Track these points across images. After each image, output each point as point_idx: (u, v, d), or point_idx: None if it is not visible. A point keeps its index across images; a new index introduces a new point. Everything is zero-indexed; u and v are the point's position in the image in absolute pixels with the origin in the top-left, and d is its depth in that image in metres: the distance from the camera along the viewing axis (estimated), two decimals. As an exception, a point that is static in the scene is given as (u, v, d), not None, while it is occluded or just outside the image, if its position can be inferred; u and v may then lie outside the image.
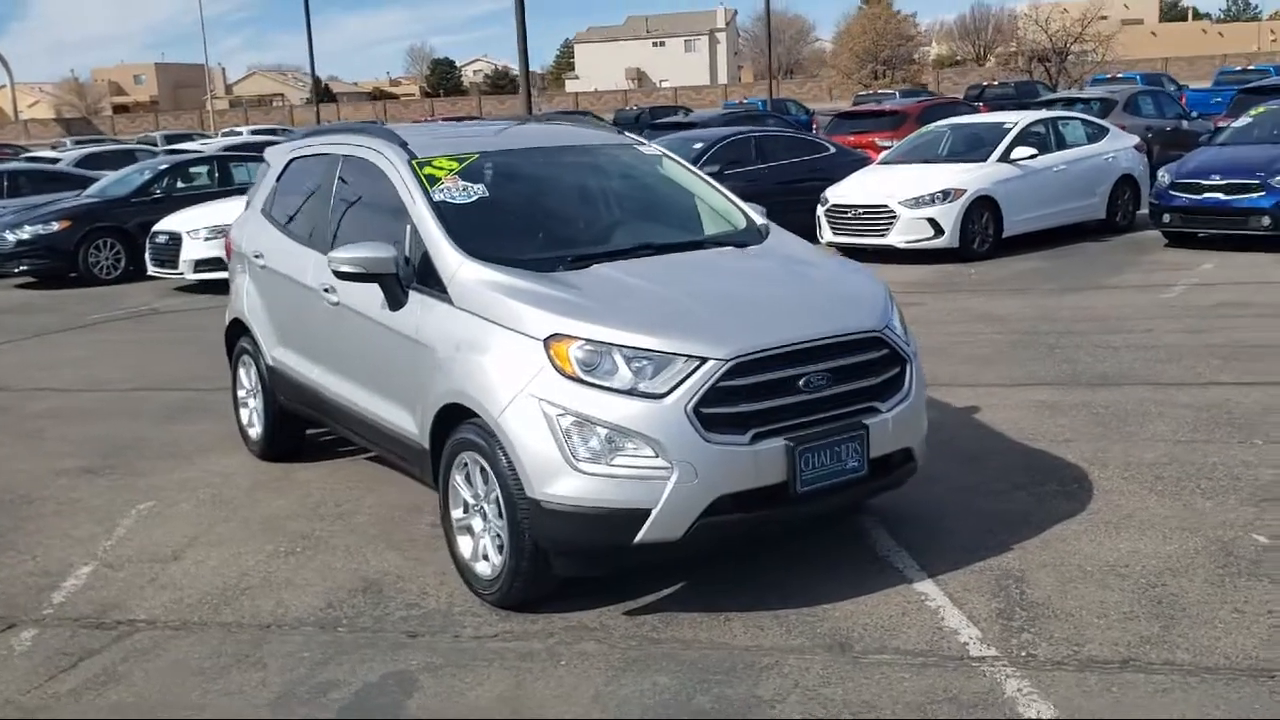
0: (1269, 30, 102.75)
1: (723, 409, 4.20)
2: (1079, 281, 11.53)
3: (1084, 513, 5.29)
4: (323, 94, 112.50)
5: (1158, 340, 8.65)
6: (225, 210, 14.54)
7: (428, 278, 4.96)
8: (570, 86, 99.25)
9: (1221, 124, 19.66)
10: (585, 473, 4.19)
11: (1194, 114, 21.19)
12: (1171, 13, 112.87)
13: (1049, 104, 20.51)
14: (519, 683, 4.03)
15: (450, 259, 4.86)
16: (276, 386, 6.48)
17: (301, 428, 6.80)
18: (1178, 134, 19.96)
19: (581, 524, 4.23)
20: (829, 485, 4.39)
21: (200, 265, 14.17)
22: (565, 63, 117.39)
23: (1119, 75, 34.40)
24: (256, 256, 6.53)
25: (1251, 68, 35.16)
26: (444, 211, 5.08)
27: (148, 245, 14.77)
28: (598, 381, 4.22)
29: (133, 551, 5.53)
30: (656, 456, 4.14)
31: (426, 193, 5.17)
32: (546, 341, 4.32)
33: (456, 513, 4.83)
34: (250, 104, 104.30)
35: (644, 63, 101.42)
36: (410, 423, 5.08)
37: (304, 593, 4.93)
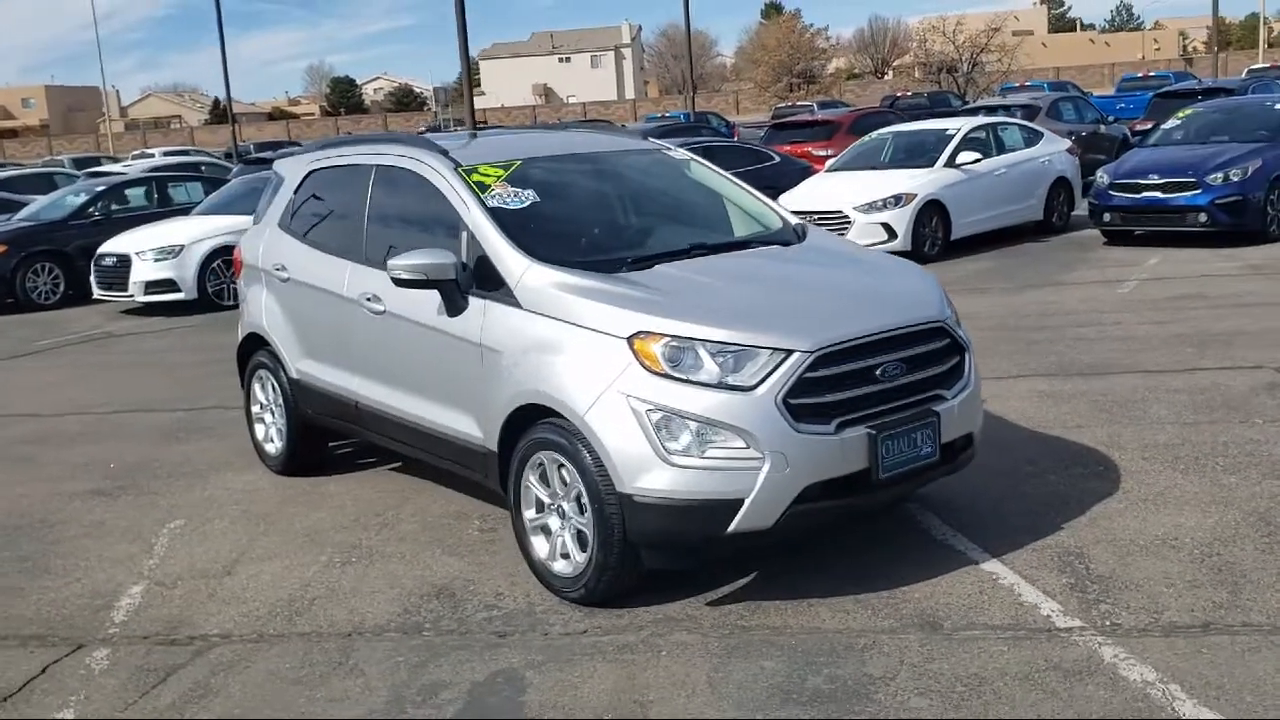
0: (1152, 39, 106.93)
1: (809, 399, 4.33)
2: (1035, 279, 11.93)
3: (1119, 492, 5.52)
4: (221, 114, 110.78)
5: (1129, 332, 9.02)
6: (175, 230, 14.38)
7: (488, 282, 5.01)
8: (478, 103, 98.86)
9: (1140, 127, 20.52)
10: (677, 465, 4.28)
11: (1110, 118, 21.98)
12: (1059, 24, 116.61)
13: (975, 111, 21.12)
14: (629, 674, 4.10)
15: (514, 263, 4.92)
16: (302, 399, 6.44)
17: (324, 441, 6.77)
18: (1096, 138, 20.68)
19: (674, 516, 4.32)
20: (906, 471, 4.55)
21: (151, 287, 13.90)
22: (470, 80, 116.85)
23: (1027, 84, 35.54)
24: (278, 270, 6.49)
25: (1151, 74, 36.57)
26: (501, 217, 5.14)
27: (93, 268, 14.44)
28: (685, 376, 4.32)
29: (181, 569, 5.46)
30: (748, 447, 4.25)
31: (480, 200, 5.22)
32: (630, 339, 4.41)
33: (529, 513, 4.88)
34: (147, 126, 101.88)
35: (550, 78, 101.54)
36: (472, 426, 5.11)
37: (375, 600, 4.93)
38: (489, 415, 4.97)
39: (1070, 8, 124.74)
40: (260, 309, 6.71)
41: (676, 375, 4.33)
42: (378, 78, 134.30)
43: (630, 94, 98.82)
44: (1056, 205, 15.51)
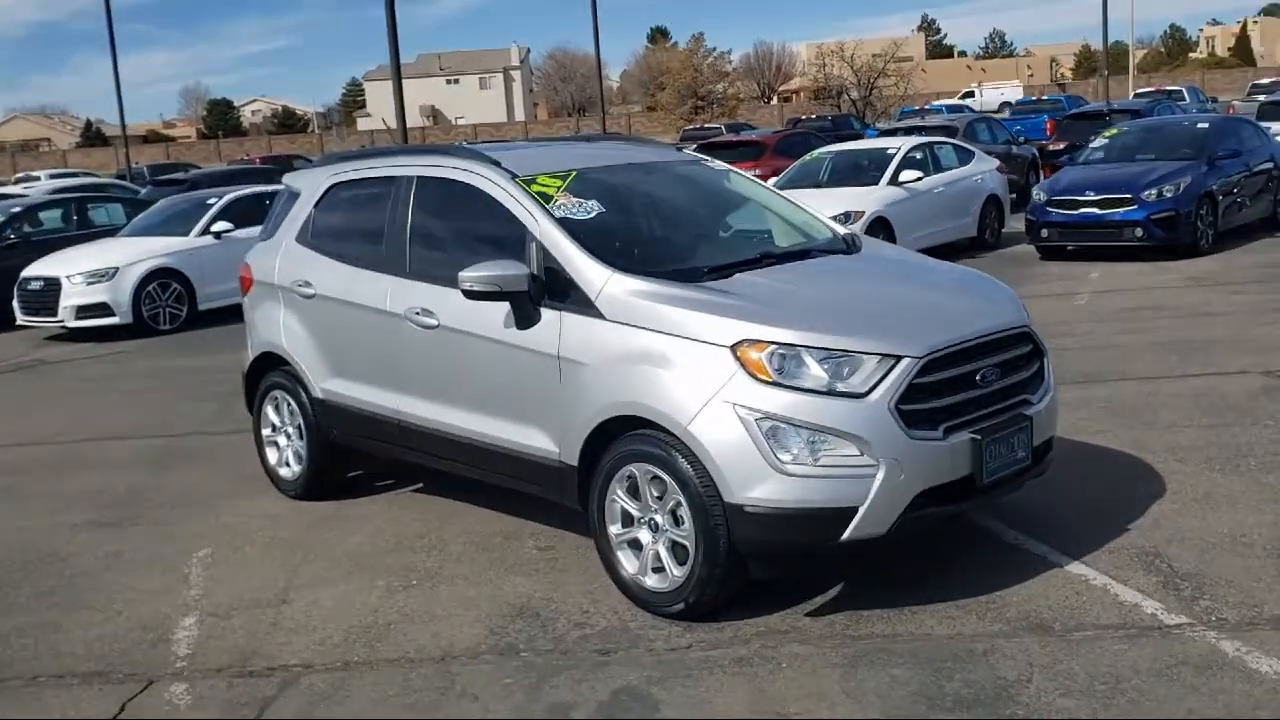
0: (1025, 65, 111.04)
1: (918, 405, 4.33)
2: (990, 293, 12.19)
3: (1168, 493, 5.65)
4: (93, 137, 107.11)
5: (1107, 341, 9.28)
6: (107, 253, 13.89)
7: (562, 293, 4.90)
8: (363, 124, 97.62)
9: (1053, 147, 21.23)
10: (790, 474, 4.23)
11: (1021, 139, 22.69)
12: (936, 50, 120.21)
13: (893, 132, 21.60)
14: (758, 688, 4.03)
15: (594, 274, 4.83)
16: (327, 420, 6.21)
17: (346, 465, 6.54)
18: (1008, 158, 21.30)
19: (787, 525, 4.27)
20: (1005, 475, 4.59)
21: (83, 311, 13.34)
22: (354, 101, 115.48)
23: (926, 107, 36.48)
24: (301, 286, 6.25)
25: (1044, 98, 37.92)
26: (571, 228, 5.04)
27: (16, 293, 13.77)
28: (793, 384, 4.28)
29: (230, 599, 5.19)
30: (861, 454, 4.23)
31: (547, 210, 5.12)
32: (734, 348, 4.35)
33: (614, 529, 4.77)
34: (14, 149, 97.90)
35: (438, 100, 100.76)
36: (545, 441, 4.99)
37: (455, 623, 4.76)
38: (568, 429, 4.86)
39: (946, 35, 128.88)
40: (277, 327, 6.45)
41: (785, 383, 4.29)
42: (255, 100, 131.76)
43: (520, 116, 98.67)
44: (989, 222, 15.93)
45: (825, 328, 4.39)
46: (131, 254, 13.67)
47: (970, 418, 4.47)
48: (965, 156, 16.21)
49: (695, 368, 4.41)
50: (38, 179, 34.79)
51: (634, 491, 4.69)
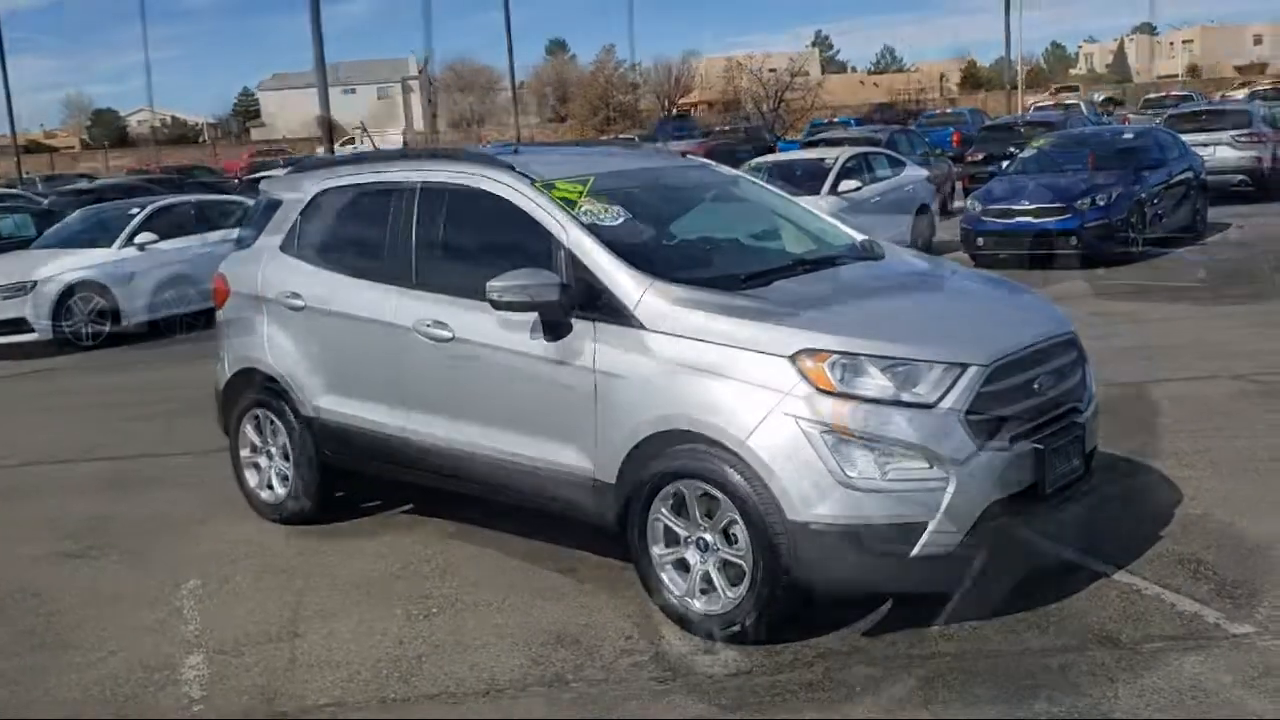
0: (916, 80, 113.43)
1: (984, 415, 4.21)
2: (939, 301, 12.26)
3: (1187, 499, 5.63)
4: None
5: (1071, 348, 9.34)
6: (21, 266, 13.18)
7: (594, 303, 4.68)
8: (257, 134, 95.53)
9: (973, 158, 21.60)
10: (857, 489, 4.07)
11: (938, 150, 23.07)
12: (830, 66, 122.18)
13: (815, 143, 21.76)
14: (841, 712, 3.85)
15: (631, 283, 4.61)
16: (320, 440, 5.87)
17: (335, 487, 6.20)
18: (926, 167, 21.66)
19: (854, 543, 4.11)
20: (1064, 485, 4.49)
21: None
22: (247, 110, 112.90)
23: (834, 120, 36.94)
24: (290, 298, 5.90)
25: (949, 111, 38.74)
26: (602, 235, 4.82)
27: (-78, 308, 12.94)
28: (858, 394, 4.12)
29: (235, 634, 4.83)
30: (931, 467, 4.09)
31: (574, 217, 4.89)
32: (794, 357, 4.18)
33: (657, 549, 4.56)
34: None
35: (335, 111, 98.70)
36: (579, 458, 4.75)
37: (491, 654, 4.49)
38: (605, 445, 4.63)
39: (839, 51, 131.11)
40: (260, 341, 6.08)
41: (848, 393, 4.13)
42: (141, 110, 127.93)
43: (419, 126, 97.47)
44: (921, 230, 16.06)
45: (887, 335, 4.25)
46: (50, 266, 12.97)
47: (1030, 426, 4.37)
48: (897, 166, 16.35)
49: (751, 379, 4.23)
50: (-80, 190, 33.04)
51: (680, 509, 4.48)
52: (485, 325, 4.98)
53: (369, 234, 5.72)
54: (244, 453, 6.34)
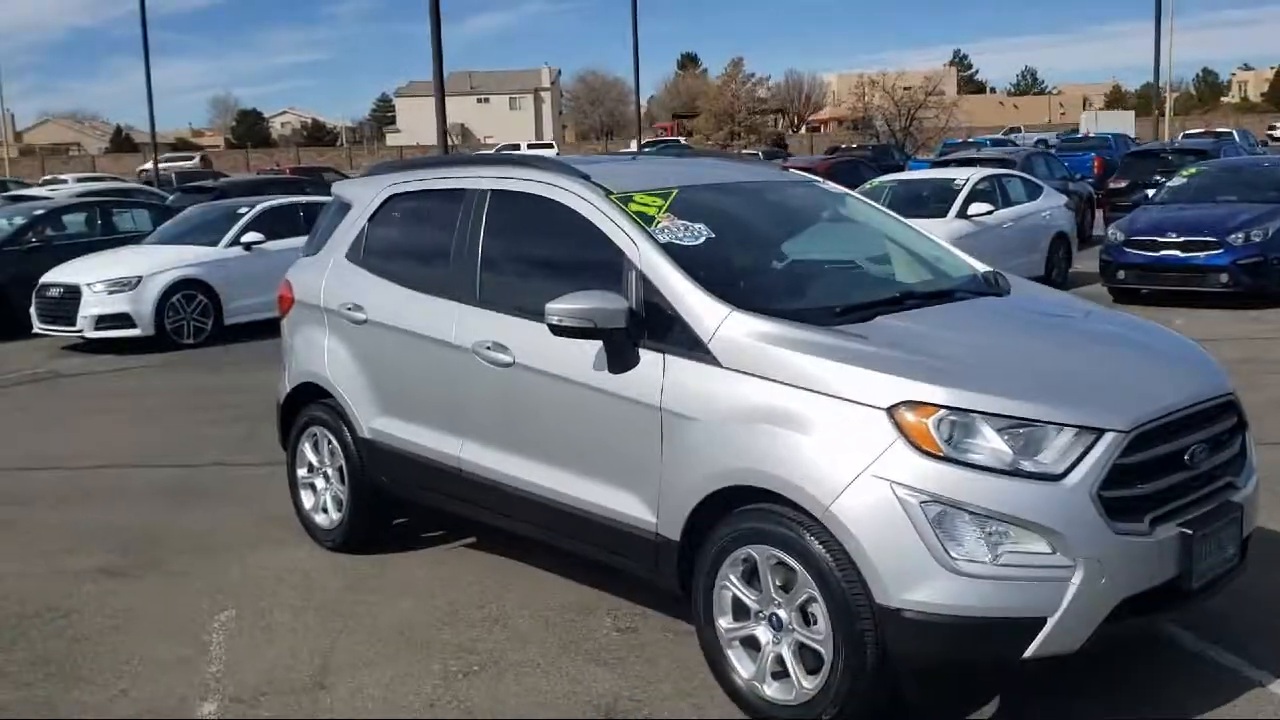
0: (1058, 103, 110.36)
1: (1122, 491, 3.50)
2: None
3: (1360, 591, 4.80)
4: (122, 143, 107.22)
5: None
6: (129, 261, 13.15)
7: (665, 332, 4.11)
8: (392, 140, 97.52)
9: (1115, 185, 20.39)
10: (961, 573, 3.41)
11: (1077, 175, 21.87)
12: (968, 86, 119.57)
13: (946, 163, 20.82)
14: (924, 844, 3.20)
15: (708, 312, 4.03)
16: (375, 464, 5.42)
17: (390, 514, 5.74)
18: (1065, 195, 20.52)
19: (956, 637, 3.45)
20: (1214, 577, 3.75)
21: (103, 322, 12.55)
22: (384, 117, 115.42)
23: (969, 140, 35.69)
24: (352, 310, 5.47)
25: (1092, 134, 37.15)
26: (679, 255, 4.25)
27: (35, 299, 13.03)
28: (968, 459, 3.46)
29: (258, 679, 4.38)
30: (1054, 552, 3.40)
31: (648, 234, 4.33)
32: (892, 410, 3.54)
33: (724, 621, 3.95)
34: (45, 153, 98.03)
35: (468, 119, 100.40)
36: (638, 507, 4.18)
37: (530, 727, 3.94)
38: (670, 495, 4.05)
39: (977, 70, 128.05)
40: (320, 354, 5.67)
41: (957, 457, 3.46)
42: (285, 111, 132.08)
43: (549, 137, 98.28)
44: (1056, 260, 15.09)
45: (1006, 390, 3.57)
46: (156, 263, 12.93)
47: (1177, 506, 3.64)
48: (1034, 191, 15.41)
49: (840, 433, 3.60)
50: (65, 182, 34.21)
51: (751, 578, 3.87)
52: (546, 350, 4.45)
53: (435, 243, 5.25)
54: (301, 472, 5.94)
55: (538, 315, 4.47)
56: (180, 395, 10.20)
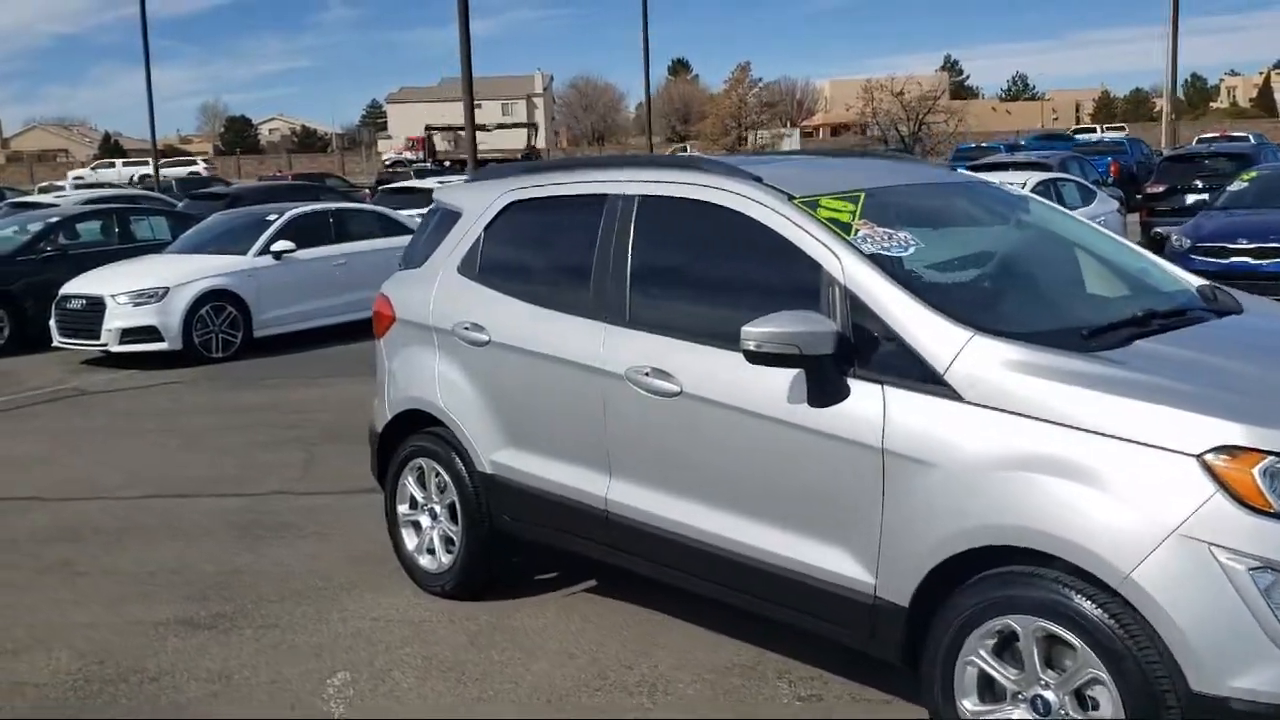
0: (1050, 109, 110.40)
1: None
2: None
3: None
4: (111, 149, 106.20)
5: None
6: (155, 271, 12.51)
7: (884, 360, 3.53)
8: (384, 146, 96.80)
9: (1152, 190, 19.90)
10: (1305, 656, 2.83)
11: (1109, 180, 21.41)
12: (959, 92, 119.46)
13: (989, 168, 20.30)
14: None
15: (940, 335, 3.44)
16: (497, 501, 4.83)
17: (511, 557, 5.15)
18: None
19: (1290, 731, 2.86)
20: None
21: (128, 335, 11.91)
22: (374, 122, 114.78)
23: (982, 144, 35.24)
24: (470, 329, 4.87)
25: (1106, 139, 36.76)
26: (892, 269, 3.66)
27: (54, 311, 12.39)
28: None
29: (399, 762, 3.78)
30: None
31: (850, 244, 3.75)
32: (1204, 457, 2.95)
33: (969, 703, 3.36)
34: (32, 159, 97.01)
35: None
36: (850, 565, 3.59)
37: (738, 826, 3.35)
38: (897, 552, 3.46)
39: (969, 76, 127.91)
40: (429, 378, 5.07)
41: None
42: (274, 118, 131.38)
43: (542, 143, 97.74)
44: (1111, 268, 14.57)
45: (1334, 431, 2.99)
46: (183, 273, 12.29)
47: None
48: (1088, 195, 14.95)
49: (1138, 485, 3.01)
50: (62, 189, 33.49)
51: (1005, 652, 3.29)
52: (725, 378, 3.86)
53: (571, 255, 4.66)
54: (402, 509, 5.33)
55: (708, 337, 3.94)
56: (221, 415, 9.56)
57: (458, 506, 5.00)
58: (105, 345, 11.99)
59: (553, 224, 4.85)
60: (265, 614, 5.12)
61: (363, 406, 9.56)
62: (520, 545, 5.03)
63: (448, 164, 62.03)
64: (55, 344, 12.46)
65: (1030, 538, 3.16)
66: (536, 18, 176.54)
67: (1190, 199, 18.71)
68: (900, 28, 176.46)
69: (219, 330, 12.21)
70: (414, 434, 5.21)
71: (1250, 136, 33.65)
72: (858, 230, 3.83)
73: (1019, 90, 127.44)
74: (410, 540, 5.30)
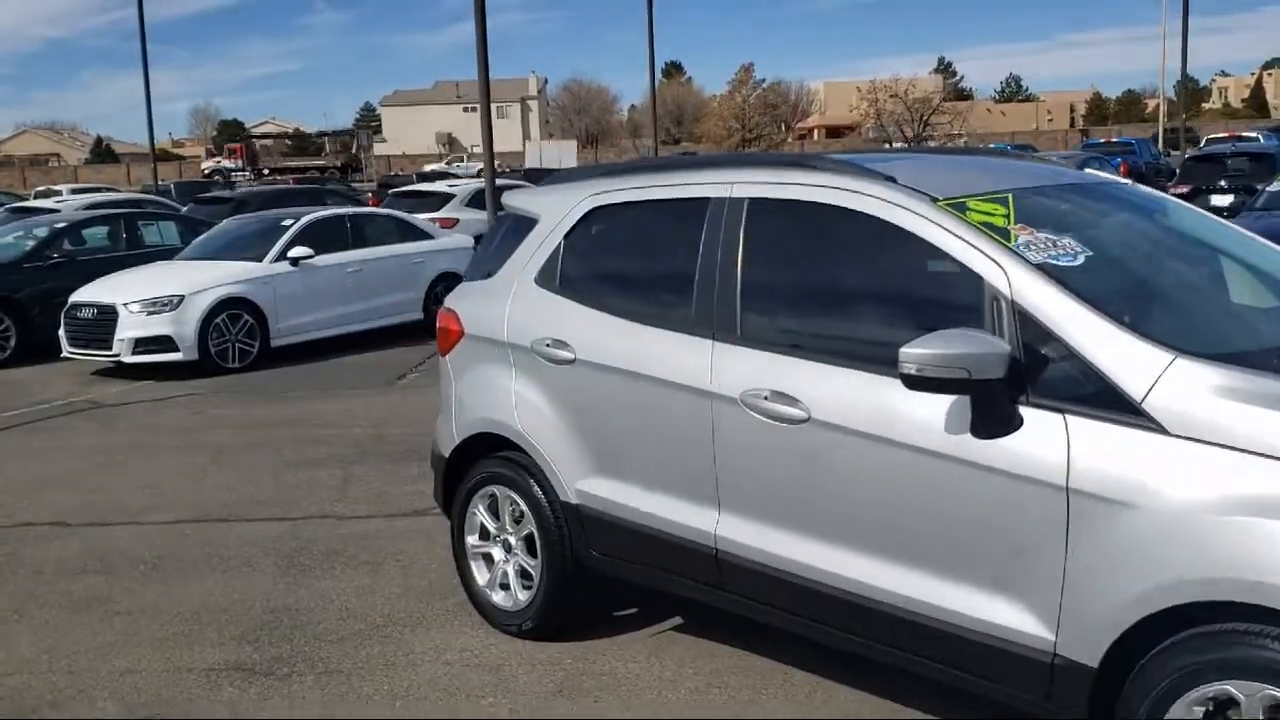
0: (1045, 110, 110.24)
1: None
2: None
3: None
4: (103, 153, 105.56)
5: None
6: (168, 278, 12.05)
7: (1066, 385, 3.11)
8: (378, 149, 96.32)
9: (1176, 190, 19.50)
10: None
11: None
12: (953, 94, 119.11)
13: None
14: None
15: (1136, 358, 3.02)
16: (583, 535, 4.40)
17: (598, 595, 4.72)
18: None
19: None
20: None
21: (142, 345, 11.48)
22: (368, 126, 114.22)
23: (990, 145, 34.89)
24: (550, 346, 4.44)
25: (1115, 140, 36.48)
26: (1068, 281, 3.24)
27: (64, 321, 11.94)
28: None
29: (505, 839, 3.35)
30: None
31: (1015, 253, 3.33)
32: None
33: (1182, 785, 2.93)
34: (24, 163, 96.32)
35: (455, 128, 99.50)
36: (1023, 619, 3.17)
37: None
38: (1084, 606, 3.04)
39: (963, 78, 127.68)
40: (506, 399, 4.63)
41: None
42: (266, 121, 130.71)
43: (534, 144, 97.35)
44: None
45: None
46: (197, 280, 11.84)
47: None
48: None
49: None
50: (59, 194, 32.95)
51: (1217, 718, 2.87)
52: (864, 404, 3.44)
53: (668, 265, 4.25)
54: (471, 540, 4.89)
55: (841, 358, 3.51)
56: (245, 430, 9.11)
57: (537, 538, 4.57)
58: (117, 355, 11.55)
59: (644, 230, 4.42)
60: (326, 657, 4.68)
61: (393, 420, 9.24)
62: (604, 581, 4.60)
63: (266, 172, 62.51)
64: (65, 354, 12.01)
65: (1262, 593, 2.73)
66: (529, 20, 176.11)
67: (1215, 199, 18.40)
68: (892, 29, 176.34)
69: (235, 339, 11.78)
70: (486, 459, 4.77)
71: (1260, 136, 33.28)
72: (1017, 236, 3.41)
73: (1013, 91, 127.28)
74: (481, 575, 4.87)
